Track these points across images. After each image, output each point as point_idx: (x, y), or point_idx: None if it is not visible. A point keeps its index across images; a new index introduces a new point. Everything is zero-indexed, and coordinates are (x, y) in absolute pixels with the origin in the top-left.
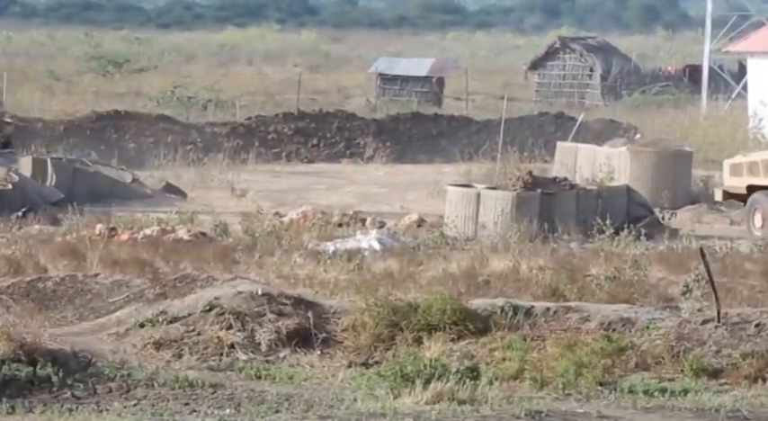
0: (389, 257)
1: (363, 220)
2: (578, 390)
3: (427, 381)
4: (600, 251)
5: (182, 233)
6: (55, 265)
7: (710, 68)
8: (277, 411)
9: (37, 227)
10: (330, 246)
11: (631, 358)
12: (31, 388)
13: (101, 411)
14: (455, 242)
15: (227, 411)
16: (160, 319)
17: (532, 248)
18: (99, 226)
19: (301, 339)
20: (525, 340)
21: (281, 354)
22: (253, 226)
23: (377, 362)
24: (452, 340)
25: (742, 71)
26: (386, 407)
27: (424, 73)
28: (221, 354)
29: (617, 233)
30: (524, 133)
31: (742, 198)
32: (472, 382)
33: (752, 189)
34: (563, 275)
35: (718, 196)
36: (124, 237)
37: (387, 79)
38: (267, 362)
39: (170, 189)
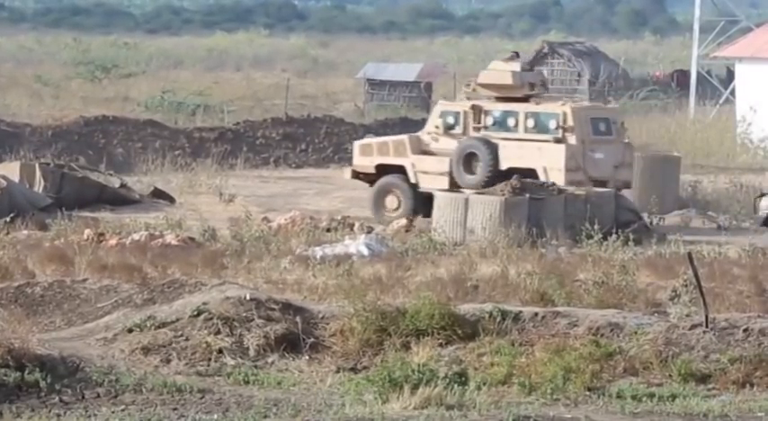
0: (378, 262)
1: (352, 225)
2: (566, 396)
3: (415, 386)
4: (588, 256)
5: (170, 238)
6: (43, 270)
7: (698, 73)
8: (265, 416)
9: (25, 232)
10: (318, 252)
11: (619, 363)
12: (18, 393)
13: (89, 416)
14: (443, 247)
15: (216, 416)
16: (148, 324)
17: (521, 253)
18: (87, 231)
19: (290, 344)
20: (513, 345)
21: (270, 359)
22: (241, 231)
23: (365, 368)
24: (441, 345)
25: (730, 76)
26: (374, 413)
27: (412, 78)
28: (209, 360)
29: (605, 238)
30: None
31: (370, 178)
32: (460, 387)
33: (381, 169)
34: (551, 280)
35: (347, 175)
36: (112, 242)
37: (375, 84)
38: (255, 367)
39: (158, 194)
